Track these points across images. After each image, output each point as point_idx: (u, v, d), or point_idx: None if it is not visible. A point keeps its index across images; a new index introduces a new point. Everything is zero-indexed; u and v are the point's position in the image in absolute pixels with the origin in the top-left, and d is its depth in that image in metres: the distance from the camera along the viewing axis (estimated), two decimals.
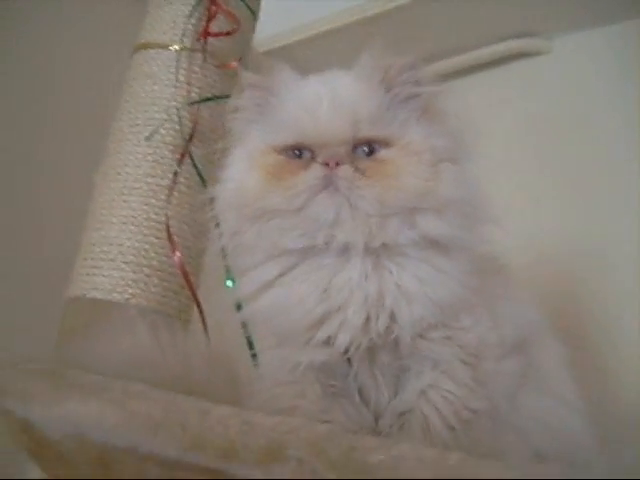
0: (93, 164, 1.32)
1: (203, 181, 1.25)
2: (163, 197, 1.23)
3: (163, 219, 1.22)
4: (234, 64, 1.33)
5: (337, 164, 0.74)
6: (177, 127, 1.27)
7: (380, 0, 1.82)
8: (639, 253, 1.54)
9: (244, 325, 1.01)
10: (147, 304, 1.19)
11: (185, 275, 1.20)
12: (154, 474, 0.58)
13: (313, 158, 0.76)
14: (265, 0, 1.49)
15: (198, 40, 1.32)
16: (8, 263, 1.55)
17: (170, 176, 1.24)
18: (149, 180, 1.24)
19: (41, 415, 0.62)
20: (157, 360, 0.85)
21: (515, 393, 0.82)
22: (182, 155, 1.25)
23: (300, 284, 0.76)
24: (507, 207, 1.58)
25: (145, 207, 1.23)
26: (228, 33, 1.33)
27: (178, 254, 1.20)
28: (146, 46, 1.34)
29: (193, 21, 1.32)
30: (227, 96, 1.30)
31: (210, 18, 1.32)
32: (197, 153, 1.27)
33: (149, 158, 1.26)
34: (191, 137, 1.27)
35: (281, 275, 0.78)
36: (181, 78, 1.29)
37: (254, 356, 1.00)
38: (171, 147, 1.26)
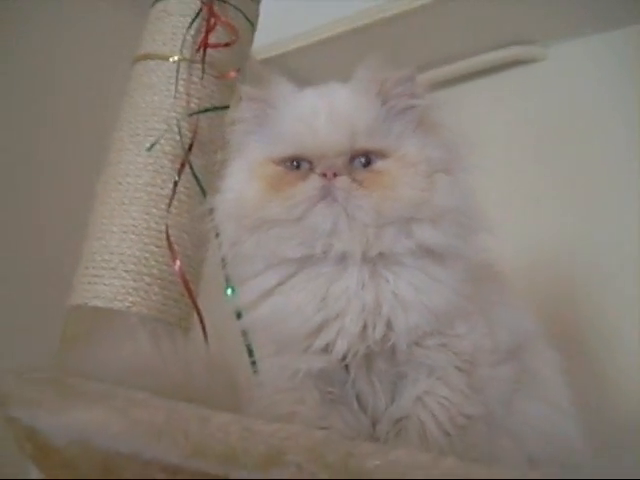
0: (94, 173, 1.33)
1: (203, 191, 1.26)
2: (163, 206, 1.24)
3: (163, 228, 1.22)
4: (233, 75, 1.35)
5: (335, 175, 0.75)
6: (177, 137, 1.28)
7: (377, 9, 1.84)
8: (638, 258, 1.55)
9: (244, 333, 1.02)
10: (148, 312, 1.20)
11: (185, 283, 1.21)
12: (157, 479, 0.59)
13: (311, 169, 0.77)
14: (263, 8, 1.50)
15: (197, 51, 1.33)
16: (10, 271, 1.55)
17: (170, 186, 1.25)
18: (149, 190, 1.25)
19: (47, 422, 0.63)
20: (158, 367, 0.86)
21: (510, 399, 0.83)
22: (182, 165, 1.26)
23: (298, 293, 0.77)
24: (503, 212, 1.60)
25: (146, 216, 1.24)
26: (227, 44, 1.34)
27: (178, 263, 1.21)
28: (146, 57, 1.35)
29: (192, 32, 1.33)
30: (226, 107, 1.32)
31: (209, 30, 1.33)
32: (196, 163, 1.28)
33: (149, 168, 1.27)
34: (190, 147, 1.28)
35: (280, 284, 0.79)
36: (180, 89, 1.30)
37: (254, 363, 1.00)
38: (171, 157, 1.27)
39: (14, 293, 1.54)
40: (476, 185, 0.82)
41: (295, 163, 0.79)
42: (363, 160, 0.78)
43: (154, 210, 1.24)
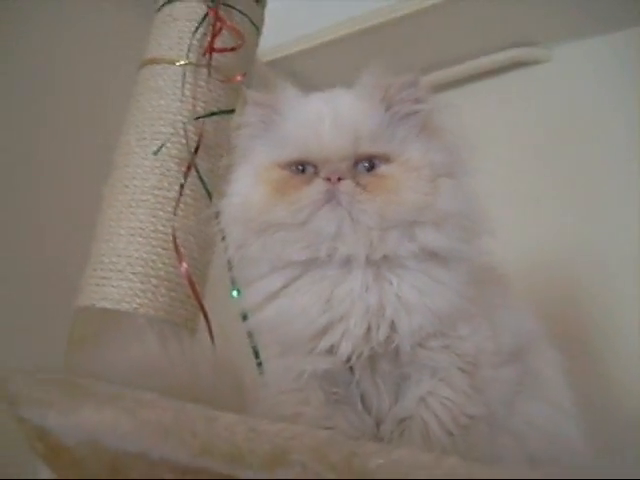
0: (101, 177, 1.35)
1: (208, 193, 1.27)
2: (170, 209, 1.25)
3: (170, 231, 1.24)
4: (239, 79, 1.36)
5: (339, 179, 0.76)
6: (183, 141, 1.29)
7: (382, 11, 1.85)
8: (639, 258, 1.56)
9: (249, 334, 1.02)
10: (155, 313, 1.21)
11: (192, 285, 1.22)
12: (165, 478, 0.60)
13: (316, 173, 0.78)
14: (268, 11, 1.52)
15: (203, 55, 1.34)
16: (18, 273, 1.56)
17: (176, 189, 1.26)
18: (156, 193, 1.27)
19: (57, 423, 0.64)
20: (165, 368, 0.87)
21: (512, 399, 0.84)
22: (188, 168, 1.28)
23: (303, 295, 0.78)
24: (505, 214, 1.61)
25: (152, 219, 1.25)
26: (233, 49, 1.36)
27: (185, 265, 1.22)
28: (153, 61, 1.36)
29: (198, 37, 1.35)
30: (232, 110, 1.33)
31: (215, 34, 1.34)
32: (202, 166, 1.30)
33: (156, 171, 1.28)
34: (197, 150, 1.29)
35: (285, 286, 0.80)
36: (187, 93, 1.32)
37: (260, 364, 1.01)
38: (177, 160, 1.29)
39: (22, 294, 1.55)
40: (479, 187, 0.82)
41: (300, 167, 0.80)
42: (367, 164, 0.78)
43: (161, 213, 1.26)
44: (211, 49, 1.34)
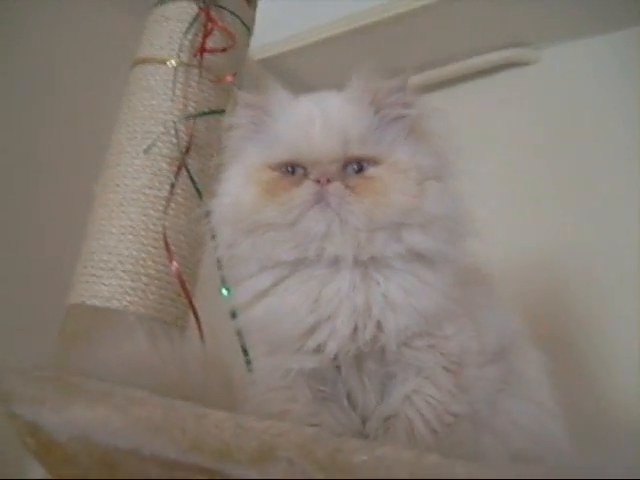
0: (93, 175, 1.35)
1: (199, 193, 1.28)
2: (160, 208, 1.26)
3: (160, 229, 1.24)
4: (229, 79, 1.37)
5: (328, 181, 0.77)
6: (174, 140, 1.30)
7: (373, 11, 1.86)
8: (636, 258, 1.58)
9: (239, 332, 1.03)
10: (145, 311, 1.22)
11: (182, 283, 1.23)
12: (155, 474, 0.61)
13: (306, 175, 0.79)
14: (260, 9, 1.53)
15: (194, 56, 1.35)
16: (9, 271, 1.56)
17: (167, 188, 1.27)
18: (147, 192, 1.28)
19: (49, 419, 0.65)
20: (155, 366, 0.88)
21: (495, 398, 0.85)
22: (179, 167, 1.29)
23: (292, 294, 0.79)
24: (497, 214, 1.63)
25: (143, 218, 1.26)
26: (224, 49, 1.37)
27: (175, 263, 1.23)
28: (144, 61, 1.37)
29: (190, 37, 1.36)
30: (222, 110, 1.35)
31: (206, 34, 1.35)
32: (193, 165, 1.31)
33: (147, 170, 1.29)
34: (187, 150, 1.30)
35: (274, 285, 0.81)
36: (178, 92, 1.33)
37: (248, 362, 1.02)
38: (168, 160, 1.30)
39: (13, 292, 1.55)
40: (467, 187, 0.83)
41: (290, 169, 0.81)
42: (356, 167, 0.79)
43: (151, 212, 1.26)
44: (202, 49, 1.35)
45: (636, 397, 1.45)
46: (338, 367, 0.80)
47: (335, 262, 0.78)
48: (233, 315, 0.91)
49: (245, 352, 1.04)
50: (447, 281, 0.80)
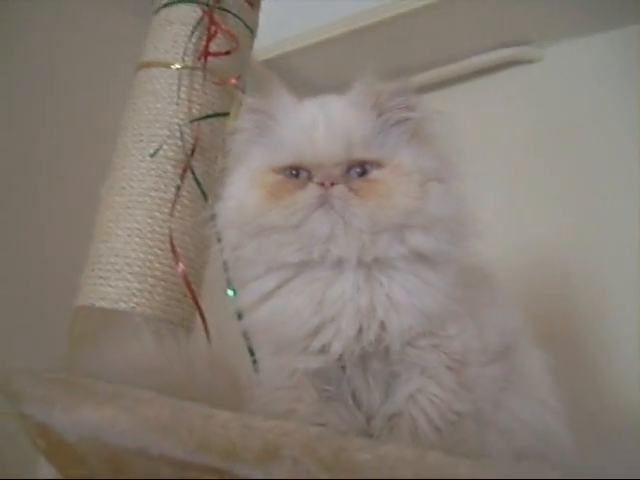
0: (99, 178, 1.36)
1: (204, 194, 1.29)
2: (166, 210, 1.27)
3: (167, 231, 1.25)
4: (233, 81, 1.38)
5: (332, 184, 0.78)
6: (179, 143, 1.31)
7: (376, 11, 1.86)
8: (635, 257, 1.58)
9: (245, 333, 1.03)
10: (152, 312, 1.23)
11: (188, 284, 1.24)
12: (163, 474, 0.62)
13: (310, 178, 0.80)
14: (263, 10, 1.53)
15: (199, 59, 1.36)
16: (18, 273, 1.58)
17: (173, 190, 1.28)
18: (153, 194, 1.28)
19: (59, 420, 0.66)
20: (162, 366, 0.89)
21: (498, 396, 0.86)
22: (184, 170, 1.30)
23: (297, 296, 0.80)
24: (500, 212, 1.63)
25: (149, 220, 1.27)
26: (227, 52, 1.38)
27: (181, 265, 1.24)
28: (149, 64, 1.38)
29: (194, 40, 1.37)
30: (226, 113, 1.35)
31: (210, 38, 1.36)
32: (198, 168, 1.31)
33: (153, 173, 1.30)
34: (192, 152, 1.31)
35: (279, 287, 0.82)
36: (182, 95, 1.33)
37: (254, 363, 1.02)
38: (173, 162, 1.31)
39: (23, 294, 1.56)
40: (473, 185, 0.84)
41: (294, 172, 0.81)
42: (359, 170, 0.80)
43: (157, 214, 1.27)
44: (206, 53, 1.35)
45: (639, 393, 1.46)
46: (343, 367, 0.81)
47: (339, 264, 0.79)
48: (239, 316, 0.91)
49: (251, 352, 1.05)
50: (450, 281, 0.81)
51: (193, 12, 1.39)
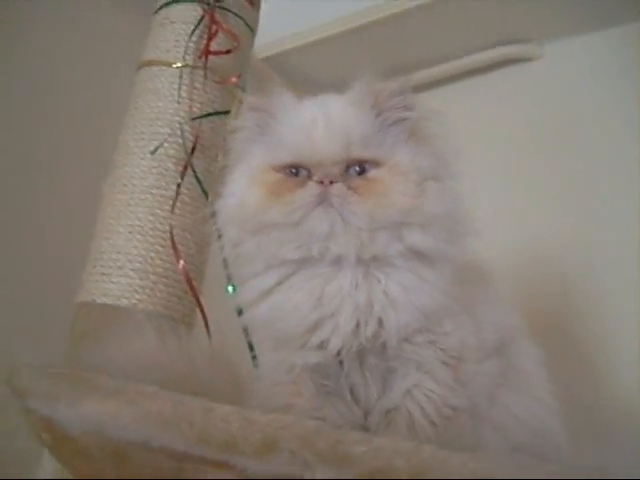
0: (101, 176, 1.37)
1: (204, 192, 1.30)
2: (167, 208, 1.27)
3: (168, 228, 1.26)
4: (234, 80, 1.38)
5: (331, 182, 0.79)
6: (180, 141, 1.32)
7: (376, 9, 1.87)
8: (633, 255, 1.59)
9: (245, 329, 1.04)
10: (153, 309, 1.24)
11: (189, 281, 1.24)
12: (165, 465, 0.63)
13: (309, 177, 0.81)
14: (264, 8, 1.54)
15: (199, 58, 1.37)
16: (21, 271, 1.58)
17: (174, 188, 1.29)
18: (154, 192, 1.29)
19: (64, 414, 0.67)
20: (164, 362, 0.90)
21: (494, 392, 0.87)
22: (185, 168, 1.30)
23: (296, 292, 0.81)
24: (498, 210, 1.64)
25: (150, 217, 1.28)
26: (228, 51, 1.38)
27: (182, 261, 1.25)
28: (150, 63, 1.39)
29: (195, 39, 1.37)
30: (227, 111, 1.36)
31: (211, 37, 1.37)
32: (199, 166, 1.32)
33: (154, 171, 1.30)
34: (193, 150, 1.31)
35: (279, 284, 0.83)
36: (183, 94, 1.34)
37: (254, 358, 1.03)
38: (174, 160, 1.31)
39: (25, 291, 1.57)
40: (472, 183, 0.85)
41: (294, 170, 0.82)
42: (358, 169, 0.81)
43: (159, 211, 1.28)
44: (207, 52, 1.36)
45: (637, 390, 1.47)
46: (341, 362, 0.82)
47: (338, 261, 0.80)
48: (239, 312, 0.92)
49: (251, 348, 1.06)
50: (446, 279, 0.82)
51: (194, 11, 1.39)
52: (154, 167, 1.31)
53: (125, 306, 1.23)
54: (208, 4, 1.39)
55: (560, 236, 1.73)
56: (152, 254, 1.27)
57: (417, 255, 0.81)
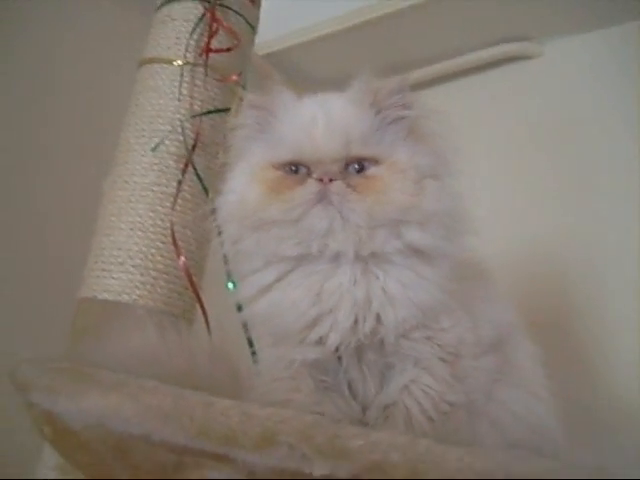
0: (102, 173, 1.37)
1: (205, 189, 1.30)
2: (168, 204, 1.28)
3: (168, 225, 1.27)
4: (234, 78, 1.39)
5: (330, 180, 0.80)
6: (181, 138, 1.32)
7: (376, 6, 1.87)
8: (632, 252, 1.59)
9: (244, 325, 1.05)
10: (154, 305, 1.24)
11: (189, 277, 1.25)
12: (165, 459, 0.64)
13: (309, 174, 0.82)
14: (264, 5, 1.54)
15: (200, 55, 1.37)
16: (23, 268, 1.59)
17: (174, 185, 1.29)
18: (155, 189, 1.30)
19: (65, 408, 0.68)
20: (164, 357, 0.90)
21: (491, 388, 0.88)
22: (185, 165, 1.31)
23: (295, 289, 0.82)
24: (497, 208, 1.64)
25: (151, 214, 1.28)
26: (229, 49, 1.39)
27: (182, 258, 1.25)
28: (151, 61, 1.39)
29: (195, 37, 1.38)
30: (227, 109, 1.36)
31: (211, 34, 1.37)
32: (199, 163, 1.32)
33: (155, 168, 1.31)
34: (194, 148, 1.32)
35: (278, 280, 0.83)
36: (184, 92, 1.35)
37: (254, 354, 1.04)
38: (175, 157, 1.32)
39: (27, 287, 1.58)
40: (471, 180, 0.85)
41: (294, 168, 0.83)
42: (357, 166, 0.82)
43: (159, 208, 1.28)
44: (208, 49, 1.36)
45: (635, 388, 1.47)
46: (339, 358, 0.83)
47: (337, 258, 0.81)
48: (239, 308, 0.93)
49: (250, 344, 1.06)
50: (444, 275, 0.82)
51: (195, 9, 1.40)
52: (155, 164, 1.31)
53: (126, 302, 1.23)
54: (209, 2, 1.40)
55: (560, 234, 1.74)
56: (153, 250, 1.27)
57: (415, 252, 0.82)
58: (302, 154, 0.83)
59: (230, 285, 1.08)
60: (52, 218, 1.67)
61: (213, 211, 0.92)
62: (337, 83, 0.89)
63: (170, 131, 1.32)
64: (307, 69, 2.12)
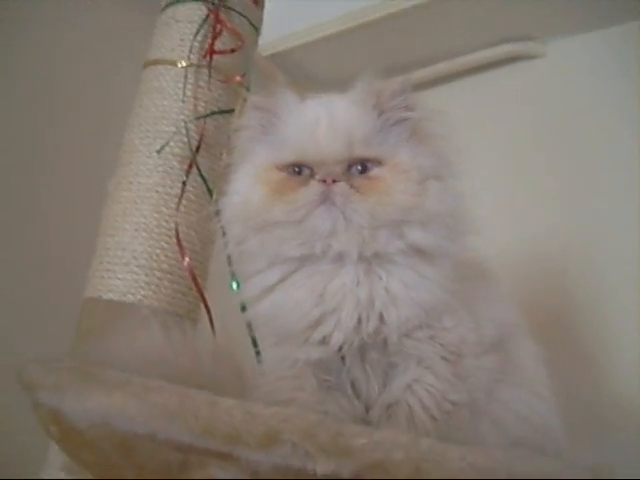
0: (107, 173, 1.38)
1: (209, 190, 1.31)
2: (172, 205, 1.28)
3: (173, 226, 1.27)
4: (238, 79, 1.39)
5: (334, 181, 0.80)
6: (185, 139, 1.33)
7: (380, 6, 1.87)
8: (633, 252, 1.59)
9: (248, 325, 1.05)
10: (158, 305, 1.25)
11: (193, 278, 1.26)
12: (170, 457, 0.65)
13: (312, 175, 0.82)
14: (267, 6, 1.54)
15: (204, 57, 1.37)
16: (29, 268, 1.60)
17: (179, 186, 1.30)
18: (159, 189, 1.30)
19: (71, 407, 0.68)
20: (169, 357, 0.91)
21: (493, 387, 0.88)
22: (190, 166, 1.31)
23: (298, 289, 0.82)
24: (500, 208, 1.64)
25: (156, 215, 1.29)
26: (232, 50, 1.39)
27: (187, 258, 1.26)
28: (155, 62, 1.39)
29: (199, 39, 1.38)
30: (231, 110, 1.36)
31: (215, 36, 1.37)
32: (203, 164, 1.33)
33: (159, 169, 1.31)
34: (198, 149, 1.32)
35: (281, 281, 0.84)
36: (188, 93, 1.35)
37: (258, 353, 1.04)
38: (179, 158, 1.32)
39: (33, 287, 1.58)
40: (474, 179, 0.86)
41: (297, 169, 0.84)
42: (360, 167, 0.82)
43: (164, 209, 1.29)
44: (212, 51, 1.37)
45: (636, 385, 1.48)
46: (343, 357, 0.83)
47: (340, 258, 0.81)
48: (243, 308, 0.93)
49: (254, 344, 1.07)
50: (446, 275, 0.83)
51: (199, 10, 1.40)
52: (159, 165, 1.32)
53: (131, 302, 1.24)
54: (213, 3, 1.40)
55: (561, 233, 1.74)
56: (157, 251, 1.28)
57: (418, 252, 0.82)
58: (305, 155, 0.83)
59: (234, 285, 1.08)
60: (57, 219, 1.67)
61: (217, 212, 0.92)
62: (340, 83, 0.89)
63: (174, 132, 1.33)
64: (310, 69, 2.13)
